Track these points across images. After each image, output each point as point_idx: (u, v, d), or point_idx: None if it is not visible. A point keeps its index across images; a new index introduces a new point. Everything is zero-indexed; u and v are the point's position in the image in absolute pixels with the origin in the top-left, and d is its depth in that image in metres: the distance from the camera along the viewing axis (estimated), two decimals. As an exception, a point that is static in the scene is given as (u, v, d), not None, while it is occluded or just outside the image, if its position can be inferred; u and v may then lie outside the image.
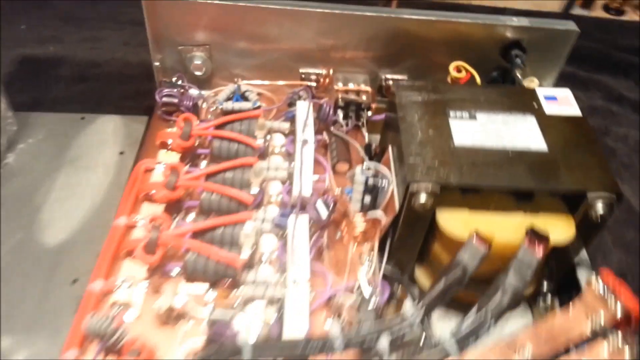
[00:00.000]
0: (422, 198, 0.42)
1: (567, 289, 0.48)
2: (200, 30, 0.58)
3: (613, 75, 0.84)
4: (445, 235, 0.43)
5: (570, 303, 0.38)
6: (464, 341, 0.37)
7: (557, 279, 0.49)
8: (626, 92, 0.82)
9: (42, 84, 0.75)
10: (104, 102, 0.73)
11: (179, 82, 0.61)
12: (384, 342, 0.36)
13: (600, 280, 0.38)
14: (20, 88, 0.73)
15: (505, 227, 0.43)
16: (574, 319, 0.37)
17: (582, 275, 0.47)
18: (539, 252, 0.40)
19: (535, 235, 0.41)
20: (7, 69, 0.76)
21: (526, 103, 0.49)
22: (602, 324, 0.36)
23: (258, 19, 0.57)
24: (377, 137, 0.59)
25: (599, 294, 0.37)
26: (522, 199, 0.44)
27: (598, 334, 0.36)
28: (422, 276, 0.49)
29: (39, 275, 0.54)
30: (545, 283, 0.49)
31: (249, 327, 0.41)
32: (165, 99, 0.59)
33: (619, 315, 0.36)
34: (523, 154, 0.44)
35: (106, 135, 0.68)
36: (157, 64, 0.61)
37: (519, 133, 0.46)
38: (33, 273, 0.54)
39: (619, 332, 0.36)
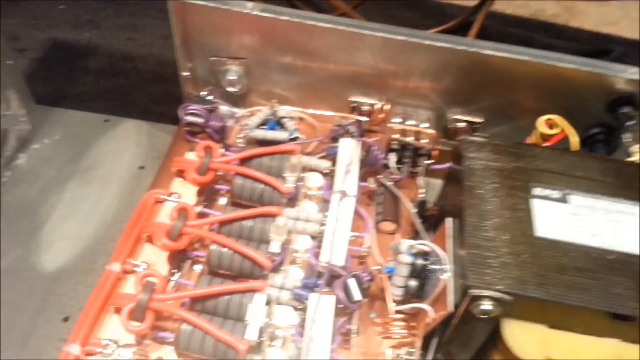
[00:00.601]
0: (487, 306, 0.32)
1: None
2: (238, 39, 0.49)
3: None
4: (512, 355, 0.33)
5: None
6: None
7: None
8: None
9: (69, 75, 0.68)
10: (131, 102, 0.66)
11: (209, 97, 0.52)
12: None
13: None
14: (46, 76, 0.67)
15: (594, 356, 0.32)
16: None
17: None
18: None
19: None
20: (36, 53, 0.70)
21: (633, 183, 0.37)
22: None
23: (306, 34, 0.47)
24: (435, 183, 0.48)
25: None
26: (620, 320, 0.33)
27: None
28: (473, 384, 0.38)
29: (29, 305, 0.47)
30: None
31: None
32: (189, 118, 0.50)
33: None
34: (629, 261, 0.33)
35: (128, 143, 0.60)
36: (185, 73, 0.53)
37: (625, 229, 0.35)
38: (23, 302, 0.48)
39: None
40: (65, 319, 0.47)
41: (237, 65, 0.51)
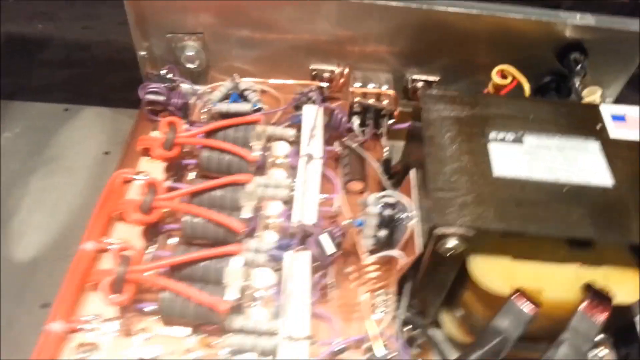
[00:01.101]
0: (451, 243, 0.33)
1: (625, 344, 0.39)
2: (193, 15, 0.50)
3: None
4: (479, 289, 0.34)
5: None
6: None
7: (614, 333, 0.40)
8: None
9: (25, 68, 0.67)
10: (90, 91, 0.65)
11: (169, 76, 0.52)
12: None
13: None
14: (1, 71, 0.65)
15: (557, 281, 0.34)
16: None
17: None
18: (600, 315, 0.31)
19: (595, 296, 0.32)
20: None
21: (587, 124, 0.39)
22: None
23: (262, 6, 0.48)
24: (399, 145, 0.50)
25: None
26: (578, 246, 0.35)
27: None
28: (448, 321, 0.40)
29: (6, 297, 0.47)
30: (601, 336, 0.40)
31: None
32: (150, 97, 0.50)
33: None
34: (582, 191, 0.35)
35: (90, 130, 0.60)
36: (142, 53, 0.53)
37: (578, 163, 0.37)
38: (1, 293, 0.47)
39: None
40: (44, 306, 0.47)
41: (194, 41, 0.51)
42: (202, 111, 0.51)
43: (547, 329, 0.33)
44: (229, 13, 0.49)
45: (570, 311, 0.33)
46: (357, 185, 0.47)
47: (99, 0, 0.76)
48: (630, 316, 0.39)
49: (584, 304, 0.32)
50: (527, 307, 0.32)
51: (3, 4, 0.75)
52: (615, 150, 0.37)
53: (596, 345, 0.39)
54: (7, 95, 0.62)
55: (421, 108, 0.40)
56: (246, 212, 0.42)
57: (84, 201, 0.54)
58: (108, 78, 0.66)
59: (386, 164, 0.47)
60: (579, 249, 0.35)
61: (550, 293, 0.33)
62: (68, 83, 0.65)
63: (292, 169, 0.47)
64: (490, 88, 0.45)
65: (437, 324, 0.41)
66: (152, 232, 0.43)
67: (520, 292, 0.33)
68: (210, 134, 0.47)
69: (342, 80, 0.51)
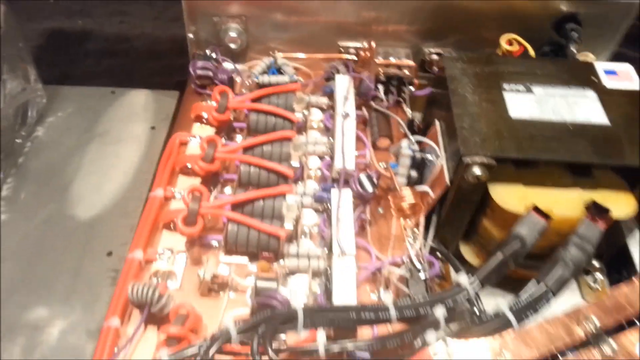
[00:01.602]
0: (476, 171, 0.40)
1: (616, 268, 0.46)
2: (236, 1, 0.56)
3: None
4: (499, 210, 0.41)
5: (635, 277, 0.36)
6: (522, 313, 0.35)
7: (607, 257, 0.47)
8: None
9: (71, 58, 0.74)
10: (133, 77, 0.72)
11: (213, 55, 0.59)
12: (439, 312, 0.34)
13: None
14: (49, 62, 0.72)
15: (563, 203, 0.41)
16: (643, 295, 0.35)
17: (636, 253, 0.45)
18: (602, 225, 0.38)
19: (596, 209, 0.39)
20: (35, 42, 0.75)
21: (585, 77, 0.46)
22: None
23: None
24: (417, 115, 0.56)
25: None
26: (579, 175, 0.42)
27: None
28: (467, 253, 0.47)
29: (73, 248, 0.53)
30: (594, 261, 0.47)
31: (295, 298, 0.39)
32: (200, 72, 0.57)
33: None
34: (584, 128, 0.42)
35: (137, 109, 0.66)
36: (190, 35, 0.59)
37: (579, 107, 0.44)
38: (67, 245, 0.53)
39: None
40: (109, 254, 0.53)
41: (236, 24, 0.58)
42: (245, 85, 0.58)
43: (551, 247, 0.40)
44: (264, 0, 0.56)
45: (574, 227, 0.40)
46: (384, 142, 0.53)
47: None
48: (622, 242, 0.46)
49: (588, 214, 0.39)
50: (540, 218, 0.39)
51: (42, 4, 0.81)
52: (608, 97, 0.44)
53: (593, 272, 0.47)
54: (56, 82, 0.68)
55: (444, 67, 0.47)
56: (294, 162, 0.48)
57: (136, 168, 0.60)
58: (148, 65, 0.73)
59: (410, 123, 0.54)
60: (580, 177, 0.42)
61: (558, 211, 0.40)
62: (112, 70, 0.72)
63: (327, 131, 0.54)
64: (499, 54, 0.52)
65: (458, 255, 0.47)
66: (212, 181, 0.49)
67: (535, 207, 0.39)
68: (255, 101, 0.54)
69: (367, 54, 0.57)
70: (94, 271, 0.52)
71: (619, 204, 0.41)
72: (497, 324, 0.35)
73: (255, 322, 0.33)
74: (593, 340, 0.34)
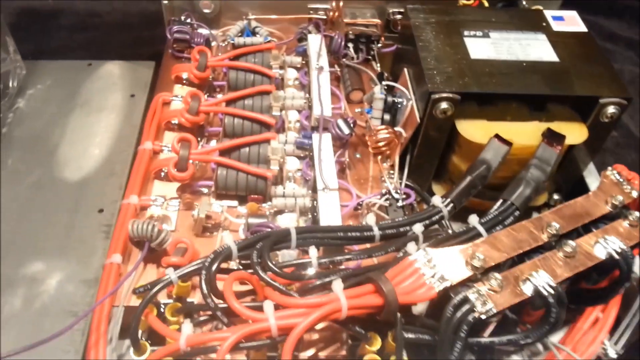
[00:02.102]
0: (444, 105, 0.44)
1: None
2: (210, -33, 0.59)
3: (607, 17, 0.87)
4: (466, 143, 0.45)
5: (590, 191, 0.41)
6: (492, 225, 0.39)
7: (565, 190, 0.52)
8: (619, 32, 0.85)
9: (45, 34, 0.75)
10: (107, 49, 0.73)
11: (188, 21, 0.62)
12: (417, 228, 0.38)
13: (615, 172, 0.41)
14: (23, 38, 0.72)
15: (522, 133, 0.45)
16: (595, 202, 0.39)
17: (592, 183, 0.50)
18: (557, 148, 0.43)
19: (552, 135, 0.44)
20: (6, 19, 0.75)
21: (535, 22, 0.51)
22: (621, 204, 0.39)
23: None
24: (385, 72, 0.60)
25: (616, 181, 0.40)
26: (535, 109, 0.47)
27: (616, 215, 0.39)
28: (439, 191, 0.51)
29: (64, 207, 0.54)
30: (555, 195, 0.52)
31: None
32: (177, 35, 0.59)
33: (634, 196, 0.39)
34: (536, 65, 0.47)
35: (115, 79, 0.68)
36: (165, 2, 0.62)
37: (531, 47, 0.48)
38: (58, 205, 0.55)
39: (636, 212, 0.39)
40: (101, 210, 0.55)
41: (210, -11, 0.61)
42: (221, 47, 0.60)
43: (510, 176, 0.44)
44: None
45: (532, 155, 0.44)
46: (357, 95, 0.57)
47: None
48: (579, 174, 0.51)
49: (544, 139, 0.44)
50: (503, 144, 0.43)
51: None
52: (557, 39, 0.49)
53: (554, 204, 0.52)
54: (32, 57, 0.69)
55: (409, 17, 0.51)
56: (275, 111, 0.52)
57: (119, 133, 0.62)
58: (120, 38, 0.75)
59: (380, 76, 0.57)
60: (537, 110, 0.47)
61: (518, 141, 0.44)
62: (86, 44, 0.74)
63: (302, 87, 0.57)
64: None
65: (431, 194, 0.52)
66: (198, 135, 0.52)
67: (497, 135, 0.44)
68: (233, 59, 0.56)
69: (336, 14, 0.61)
70: (86, 227, 0.54)
71: (572, 132, 0.46)
72: (469, 235, 0.39)
73: (253, 239, 0.36)
74: (555, 243, 0.38)
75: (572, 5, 0.55)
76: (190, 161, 0.47)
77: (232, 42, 0.59)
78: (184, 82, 0.57)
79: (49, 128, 0.62)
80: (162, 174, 0.49)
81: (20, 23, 0.75)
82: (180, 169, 0.46)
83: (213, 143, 0.52)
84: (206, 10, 0.62)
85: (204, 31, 0.62)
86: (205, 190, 0.49)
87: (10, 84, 0.63)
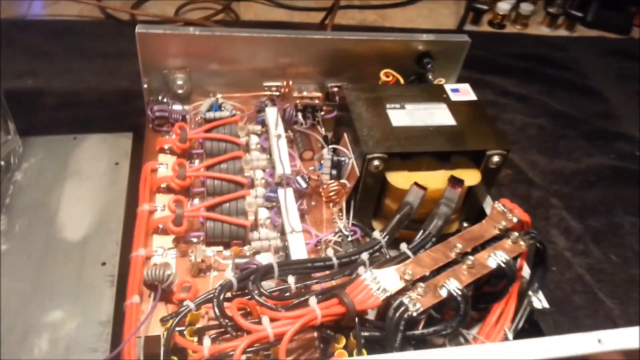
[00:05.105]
0: (376, 162, 0.60)
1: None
2: (181, 56, 0.73)
3: (499, 76, 1.08)
4: (394, 189, 0.61)
5: (483, 220, 0.57)
6: (416, 249, 0.54)
7: (472, 219, 0.68)
8: (510, 88, 1.05)
9: (29, 113, 0.85)
10: (89, 124, 0.85)
11: (164, 100, 0.75)
12: (364, 256, 0.53)
13: (501, 204, 0.58)
14: (13, 117, 0.83)
15: (434, 180, 0.61)
16: (487, 227, 0.55)
17: (488, 210, 0.67)
18: (458, 189, 0.59)
19: (454, 180, 0.60)
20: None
21: (438, 95, 0.68)
22: (505, 228, 0.55)
23: (227, 45, 0.72)
24: (329, 134, 0.76)
25: (502, 211, 0.57)
26: (442, 160, 0.63)
27: (502, 235, 0.55)
28: (377, 226, 0.66)
29: (71, 263, 0.65)
30: (464, 223, 0.68)
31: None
32: (158, 114, 0.72)
33: (515, 221, 0.55)
34: (440, 128, 0.63)
35: (99, 150, 0.80)
36: (145, 86, 0.75)
37: (436, 115, 0.65)
38: (66, 262, 0.65)
39: (515, 232, 0.55)
40: (103, 264, 0.66)
41: (182, 73, 0.74)
42: (194, 121, 0.74)
43: (428, 212, 0.60)
44: (205, 53, 0.73)
45: (441, 195, 0.60)
46: (308, 154, 0.72)
47: (72, 58, 0.96)
48: (480, 206, 0.67)
49: (449, 183, 0.60)
50: (420, 189, 0.59)
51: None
52: (454, 107, 0.66)
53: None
54: (23, 133, 0.80)
55: (345, 96, 0.66)
56: (247, 172, 0.65)
57: (110, 195, 0.73)
58: (99, 114, 0.87)
59: (325, 138, 0.73)
60: (443, 161, 0.63)
61: (431, 186, 0.60)
62: (70, 120, 0.85)
63: (263, 150, 0.71)
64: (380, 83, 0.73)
65: (371, 229, 0.66)
66: (184, 195, 0.65)
67: (416, 183, 0.59)
68: (207, 132, 0.70)
69: (286, 90, 0.76)
70: (93, 278, 0.64)
71: (470, 176, 0.62)
72: (401, 258, 0.54)
73: (247, 273, 0.49)
74: (461, 258, 0.54)
75: (472, 69, 0.73)
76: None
77: (204, 116, 0.73)
78: (167, 151, 0.70)
79: (47, 196, 0.73)
80: (159, 229, 0.61)
81: (7, 104, 0.86)
82: (177, 224, 0.59)
83: (196, 201, 0.65)
84: (179, 91, 0.75)
85: (178, 107, 0.75)
86: (195, 239, 0.61)
87: (12, 161, 0.74)
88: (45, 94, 0.89)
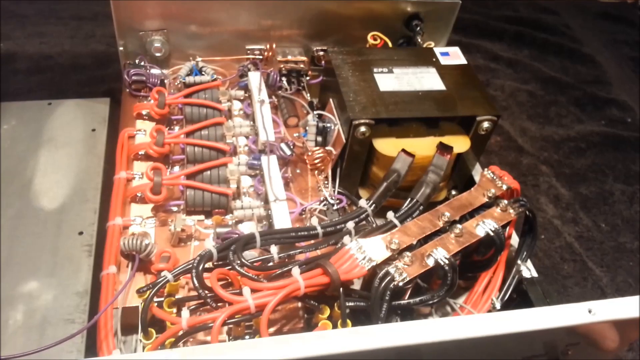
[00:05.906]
0: (363, 129, 0.57)
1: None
2: (158, 18, 0.69)
3: (490, 40, 1.05)
4: (381, 156, 0.59)
5: (472, 188, 0.55)
6: (403, 218, 0.52)
7: (460, 186, 0.66)
8: (500, 52, 1.03)
9: (1, 79, 0.82)
10: (63, 89, 0.82)
11: (142, 64, 0.72)
12: (350, 225, 0.51)
13: (490, 171, 0.56)
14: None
15: (422, 146, 0.59)
16: (475, 195, 0.54)
17: (477, 177, 0.65)
18: (447, 156, 0.57)
19: (443, 147, 0.58)
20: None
21: (427, 58, 0.65)
22: (494, 196, 0.53)
23: (206, 5, 0.69)
24: (314, 99, 0.73)
25: (491, 178, 0.55)
26: (431, 127, 0.61)
27: (491, 203, 0.53)
28: (364, 195, 0.64)
29: (47, 232, 0.63)
30: (453, 191, 0.66)
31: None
32: (134, 77, 0.69)
33: (504, 189, 0.54)
34: (429, 93, 0.61)
35: (75, 116, 0.76)
36: (121, 48, 0.71)
37: (425, 79, 0.63)
38: (41, 231, 0.63)
39: (505, 200, 0.53)
40: (80, 233, 0.64)
41: (159, 36, 0.71)
42: (173, 85, 0.71)
43: (416, 179, 0.58)
44: (183, 14, 0.70)
45: (430, 163, 0.58)
46: (293, 121, 0.70)
47: (45, 22, 0.92)
48: (469, 174, 0.66)
49: (438, 150, 0.58)
50: (408, 156, 0.57)
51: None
52: (444, 71, 0.64)
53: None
54: (-6, 99, 0.77)
55: (330, 60, 0.64)
56: (229, 139, 0.63)
57: (87, 163, 0.70)
58: (74, 78, 0.83)
59: (311, 104, 0.70)
60: (431, 128, 0.61)
61: (419, 152, 0.58)
62: (44, 85, 0.81)
63: (247, 116, 0.69)
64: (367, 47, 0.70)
65: (358, 198, 0.65)
66: (164, 162, 0.62)
67: (403, 149, 0.57)
68: (187, 97, 0.67)
69: (270, 54, 0.73)
70: (70, 248, 0.62)
71: (459, 143, 0.60)
72: (388, 227, 0.52)
73: (227, 244, 0.47)
74: (449, 227, 0.52)
75: (461, 33, 0.71)
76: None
77: (184, 81, 0.70)
78: (145, 117, 0.67)
79: (21, 164, 0.70)
80: (137, 197, 0.59)
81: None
82: (155, 192, 0.57)
83: (176, 169, 0.63)
84: (157, 54, 0.72)
85: (156, 71, 0.72)
86: (175, 208, 0.59)
87: (-18, 128, 0.70)
88: (18, 59, 0.85)
